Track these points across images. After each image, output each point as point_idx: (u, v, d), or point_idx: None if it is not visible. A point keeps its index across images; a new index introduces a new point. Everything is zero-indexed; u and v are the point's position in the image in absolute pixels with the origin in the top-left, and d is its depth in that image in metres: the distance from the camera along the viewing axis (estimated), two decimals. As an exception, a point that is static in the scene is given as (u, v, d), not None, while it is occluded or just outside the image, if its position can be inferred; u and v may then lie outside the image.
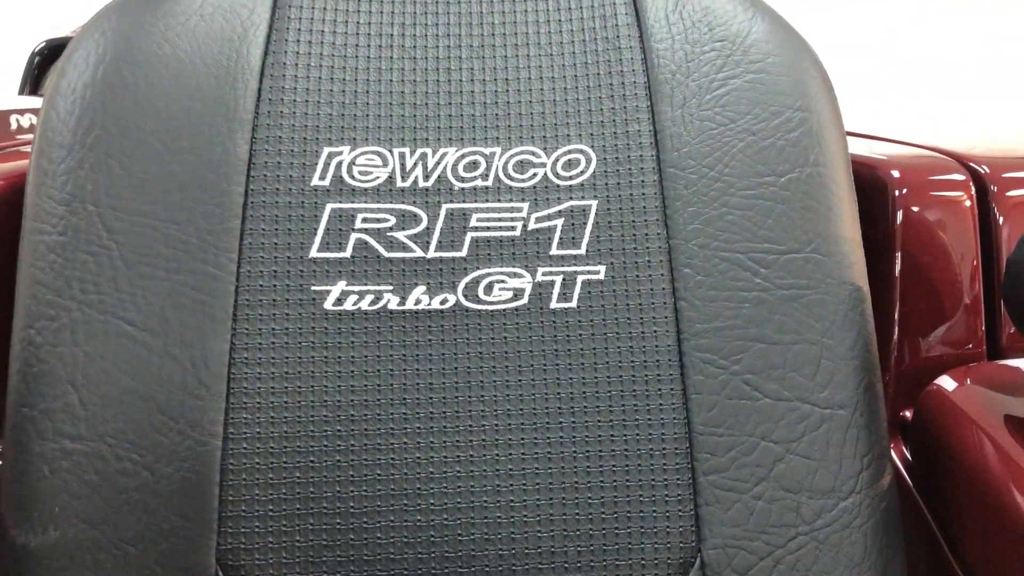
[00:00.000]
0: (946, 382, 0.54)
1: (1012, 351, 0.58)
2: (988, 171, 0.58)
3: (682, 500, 0.45)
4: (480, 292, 0.45)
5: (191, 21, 0.47)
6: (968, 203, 0.57)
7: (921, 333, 0.57)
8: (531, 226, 0.46)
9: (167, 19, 0.47)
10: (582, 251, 0.46)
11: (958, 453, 0.50)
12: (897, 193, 0.56)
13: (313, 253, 0.45)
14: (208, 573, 0.42)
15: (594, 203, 0.46)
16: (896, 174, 0.57)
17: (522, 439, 0.45)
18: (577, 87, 0.48)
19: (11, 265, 0.49)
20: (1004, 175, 0.59)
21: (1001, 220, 0.57)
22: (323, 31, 0.48)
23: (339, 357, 0.44)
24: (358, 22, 0.48)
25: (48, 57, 1.60)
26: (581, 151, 0.47)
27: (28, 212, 0.45)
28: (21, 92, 1.60)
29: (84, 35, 0.48)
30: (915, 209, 0.56)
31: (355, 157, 0.46)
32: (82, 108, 0.45)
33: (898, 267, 0.56)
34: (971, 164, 0.59)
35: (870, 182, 0.55)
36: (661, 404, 0.45)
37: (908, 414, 0.55)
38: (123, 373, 0.43)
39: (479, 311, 0.45)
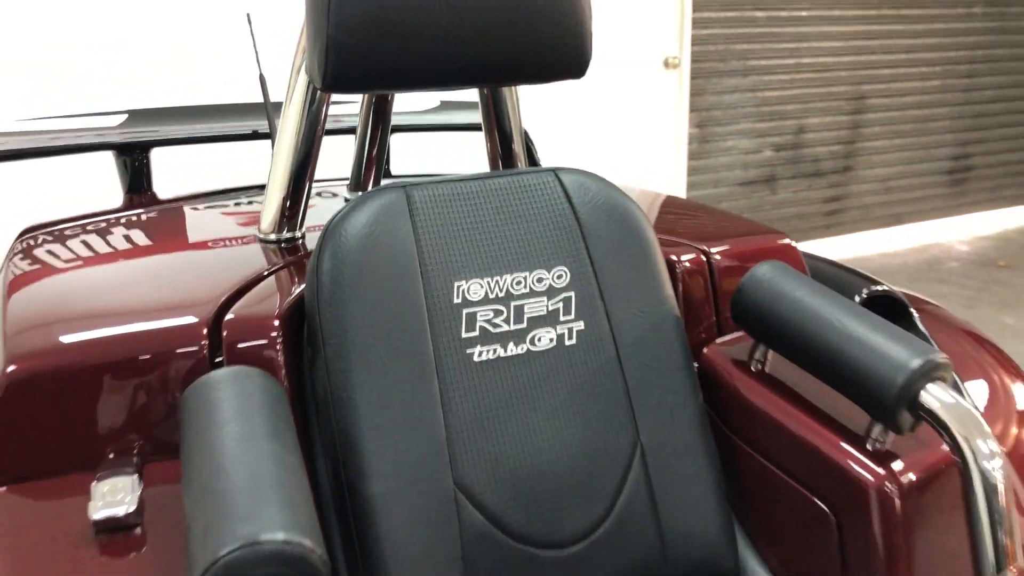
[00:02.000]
0: (709, 349, 1.16)
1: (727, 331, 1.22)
2: (707, 248, 1.21)
3: (628, 416, 1.01)
4: (535, 342, 0.98)
5: (376, 227, 0.93)
6: (704, 266, 1.19)
7: (691, 330, 1.19)
8: (549, 308, 0.99)
9: (363, 228, 0.93)
10: (572, 316, 1.00)
11: (720, 379, 1.11)
12: (679, 267, 1.17)
13: (462, 335, 0.94)
14: (450, 488, 0.90)
15: (573, 293, 1.01)
16: (675, 257, 1.18)
17: (564, 403, 0.98)
18: (553, 238, 1.02)
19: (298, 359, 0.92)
20: (713, 250, 1.22)
21: (717, 273, 1.20)
22: (436, 224, 0.97)
23: (483, 383, 0.94)
24: (448, 216, 0.98)
25: None
26: (563, 269, 1.01)
27: (321, 335, 0.89)
28: None
29: (326, 238, 0.92)
30: (687, 273, 1.17)
31: (469, 285, 0.96)
32: (338, 279, 0.91)
33: (681, 302, 1.17)
34: (700, 246, 1.21)
35: (667, 262, 1.15)
36: (614, 377, 1.01)
37: (696, 365, 1.16)
38: (400, 405, 0.89)
39: (536, 351, 0.98)
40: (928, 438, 0.95)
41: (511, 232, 1.01)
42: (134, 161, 1.62)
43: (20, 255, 1.16)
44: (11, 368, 0.84)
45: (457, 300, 0.96)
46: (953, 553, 0.94)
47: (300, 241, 1.18)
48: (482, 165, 1.39)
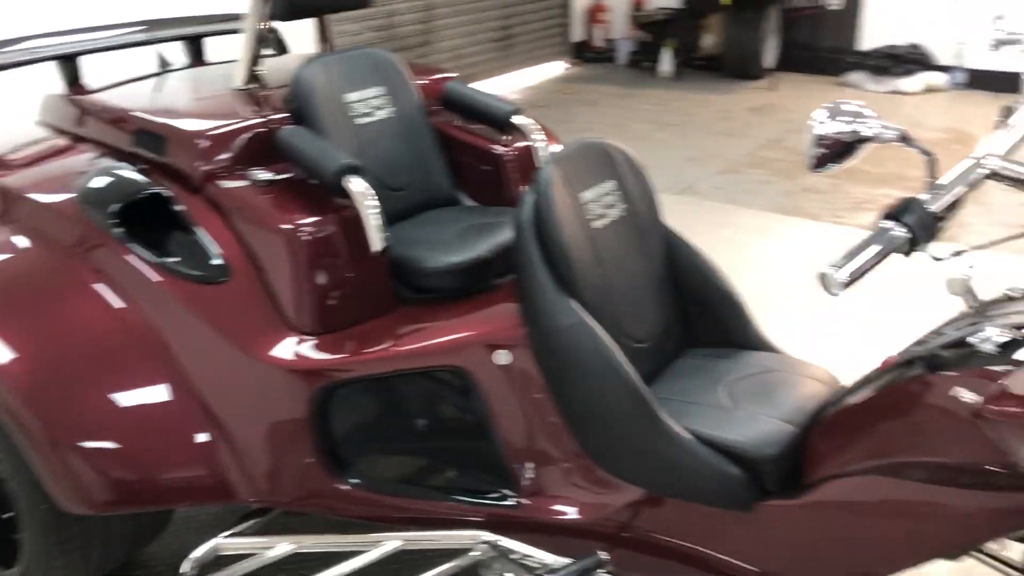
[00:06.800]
0: (433, 119, 2.63)
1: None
2: (428, 77, 2.64)
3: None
4: (375, 114, 2.35)
5: (315, 71, 2.23)
6: (430, 86, 2.62)
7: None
8: (381, 101, 2.37)
9: (311, 73, 2.23)
10: (388, 102, 2.38)
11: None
12: (416, 86, 2.60)
13: (349, 115, 2.30)
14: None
15: (389, 96, 2.38)
16: (415, 82, 2.60)
17: (390, 132, 2.39)
18: (375, 75, 2.39)
19: None
20: (429, 79, 2.66)
21: (428, 87, 2.64)
22: (334, 70, 2.30)
23: (358, 129, 2.30)
24: (338, 67, 2.30)
25: None
26: (383, 88, 2.38)
27: (306, 112, 2.20)
28: None
29: (297, 79, 2.20)
30: (420, 88, 2.60)
31: (350, 95, 2.30)
32: (308, 92, 2.21)
33: (420, 99, 2.61)
34: (423, 79, 2.63)
35: None
36: (405, 120, 2.44)
37: None
38: (332, 130, 2.23)
39: (378, 118, 2.35)
40: (523, 139, 2.51)
41: (360, 73, 2.35)
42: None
43: (115, 92, 2.31)
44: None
45: (346, 101, 2.29)
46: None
47: (255, 87, 2.39)
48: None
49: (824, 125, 1.24)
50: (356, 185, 1.92)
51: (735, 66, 7.66)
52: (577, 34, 8.71)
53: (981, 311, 1.51)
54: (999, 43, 1.67)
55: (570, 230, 1.79)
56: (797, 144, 5.84)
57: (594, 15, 8.70)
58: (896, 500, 1.54)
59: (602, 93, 7.42)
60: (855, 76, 7.41)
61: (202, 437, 1.89)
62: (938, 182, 1.26)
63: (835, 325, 3.37)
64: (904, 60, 7.22)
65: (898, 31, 7.43)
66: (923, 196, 1.27)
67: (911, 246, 1.24)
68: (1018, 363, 1.34)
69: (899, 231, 1.23)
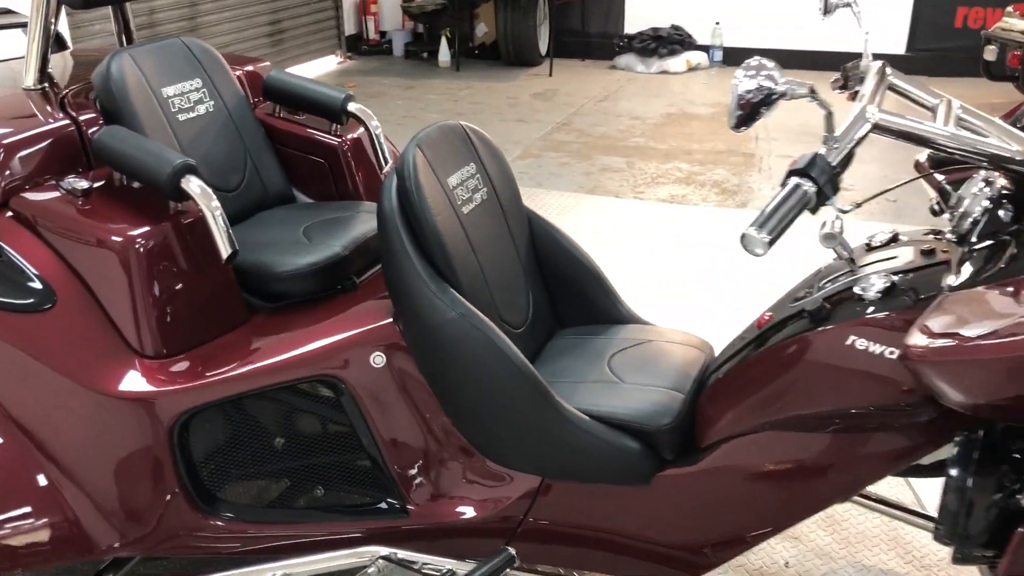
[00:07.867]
0: (256, 111, 2.42)
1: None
2: (242, 67, 2.43)
3: None
4: (197, 109, 2.14)
5: (124, 66, 1.98)
6: (250, 75, 2.41)
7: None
8: (199, 95, 2.15)
9: (120, 67, 1.97)
10: (207, 96, 2.18)
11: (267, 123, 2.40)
12: (237, 76, 2.38)
13: (172, 110, 2.06)
14: None
15: (205, 90, 2.18)
16: (234, 73, 2.38)
17: (205, 124, 2.18)
18: (191, 69, 2.16)
19: None
20: (245, 68, 2.45)
21: (247, 79, 2.44)
22: (147, 62, 2.05)
23: (177, 124, 2.09)
24: (151, 59, 2.06)
25: None
26: (199, 80, 2.16)
27: (115, 108, 1.94)
28: None
29: (107, 69, 1.94)
30: (240, 77, 2.39)
31: (168, 89, 2.07)
32: (120, 83, 1.96)
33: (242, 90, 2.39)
34: (239, 69, 2.42)
35: None
36: (224, 116, 2.23)
37: None
38: (155, 132, 2.00)
39: (199, 114, 2.14)
40: (355, 128, 2.37)
41: (175, 64, 2.12)
42: None
43: None
44: None
45: (163, 96, 2.05)
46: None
47: (47, 86, 2.08)
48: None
49: (743, 84, 1.23)
50: (196, 186, 1.72)
51: (513, 54, 7.77)
52: (350, 27, 8.50)
53: (851, 262, 1.59)
54: (830, 6, 1.73)
55: (442, 216, 1.70)
56: (585, 126, 6.02)
57: (366, 7, 8.53)
58: (792, 452, 1.58)
59: (385, 86, 7.29)
60: (625, 59, 7.74)
61: (46, 489, 1.63)
62: (834, 135, 1.29)
63: (652, 289, 3.49)
64: (668, 41, 7.62)
65: (660, 14, 7.84)
66: (822, 150, 1.29)
67: (819, 200, 1.26)
68: (910, 307, 1.40)
69: (808, 185, 1.25)
